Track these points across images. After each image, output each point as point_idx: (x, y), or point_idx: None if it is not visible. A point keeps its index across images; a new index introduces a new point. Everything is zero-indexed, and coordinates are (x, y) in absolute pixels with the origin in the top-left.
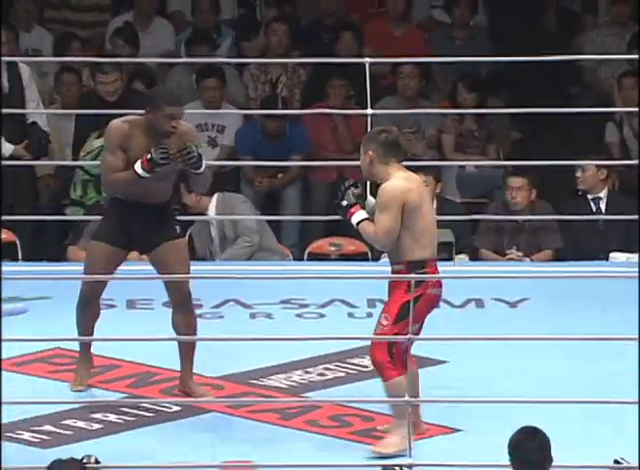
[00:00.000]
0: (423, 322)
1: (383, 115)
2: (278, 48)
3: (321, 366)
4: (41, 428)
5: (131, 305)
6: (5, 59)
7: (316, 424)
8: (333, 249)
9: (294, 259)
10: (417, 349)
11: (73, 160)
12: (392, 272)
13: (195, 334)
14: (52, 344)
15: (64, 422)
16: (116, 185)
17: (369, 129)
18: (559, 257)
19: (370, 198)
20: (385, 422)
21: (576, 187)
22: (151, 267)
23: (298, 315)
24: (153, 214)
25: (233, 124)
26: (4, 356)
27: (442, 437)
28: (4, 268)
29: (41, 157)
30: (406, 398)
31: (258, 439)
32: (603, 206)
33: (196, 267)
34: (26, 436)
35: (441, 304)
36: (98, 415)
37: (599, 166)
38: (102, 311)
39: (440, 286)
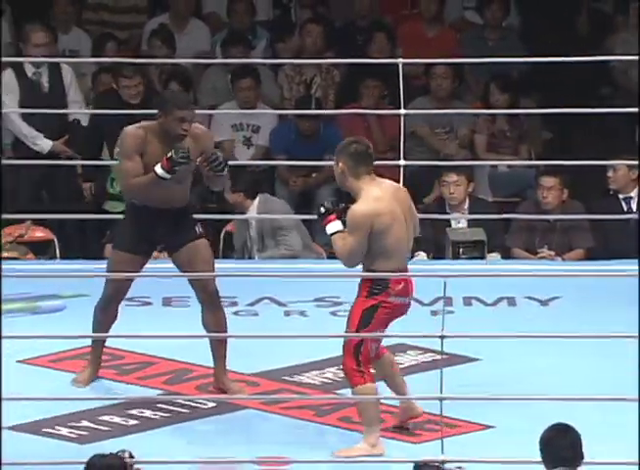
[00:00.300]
0: (387, 328)
1: (416, 115)
2: (312, 49)
3: None
4: (79, 424)
5: (167, 302)
6: (41, 60)
7: (349, 420)
8: None
9: (327, 258)
10: (449, 346)
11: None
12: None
13: (225, 331)
14: (89, 341)
15: (101, 418)
16: (137, 189)
17: (402, 129)
18: (590, 256)
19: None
20: (417, 418)
21: (608, 187)
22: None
23: (332, 313)
24: (171, 219)
25: (268, 124)
26: (42, 353)
27: (474, 434)
28: (41, 266)
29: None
30: (439, 394)
31: (293, 435)
32: (634, 205)
33: (232, 266)
34: (64, 431)
35: (474, 302)
36: (134, 411)
37: (630, 166)
38: (137, 309)
39: (407, 294)
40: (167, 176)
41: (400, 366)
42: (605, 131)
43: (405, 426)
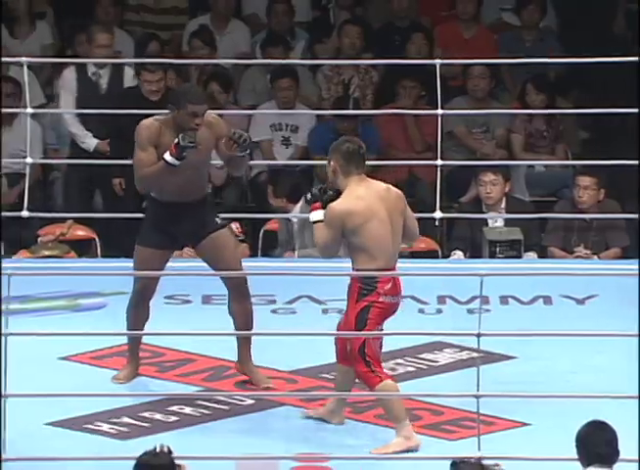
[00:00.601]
0: (381, 327)
1: (453, 115)
2: (351, 50)
3: (392, 361)
4: (120, 420)
5: (206, 300)
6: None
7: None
8: (403, 246)
9: None
10: (486, 344)
11: None
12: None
13: (251, 320)
14: (128, 338)
15: (141, 414)
16: (148, 178)
17: (439, 129)
18: (626, 255)
19: None
20: (453, 416)
21: None
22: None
23: None
24: (191, 212)
25: (306, 124)
26: (84, 350)
27: (511, 431)
28: (83, 264)
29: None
30: (475, 392)
31: (330, 431)
32: None
33: (271, 264)
34: (105, 427)
35: (510, 300)
36: (174, 408)
37: None
38: (177, 307)
39: (397, 294)
40: (177, 163)
41: (437, 364)
42: None
43: None
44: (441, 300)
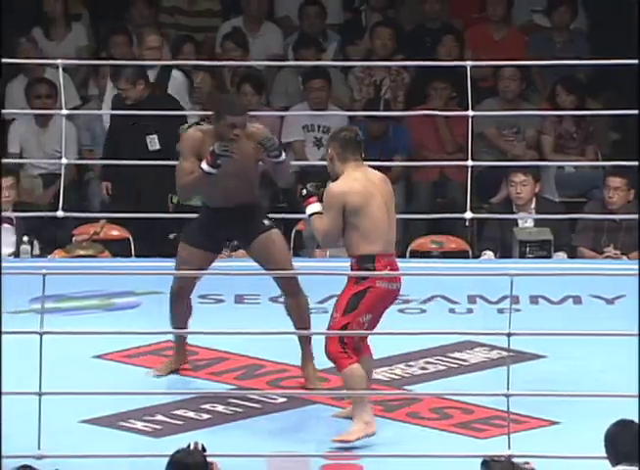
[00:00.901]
0: (379, 315)
1: (483, 116)
2: (382, 51)
3: (422, 360)
4: (153, 418)
5: (239, 300)
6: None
7: (417, 416)
8: (434, 246)
9: (396, 257)
10: (516, 344)
11: None
12: (350, 266)
13: (308, 314)
14: (164, 336)
15: (174, 412)
16: (188, 187)
17: (470, 130)
18: None
19: None
20: (483, 414)
21: None
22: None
23: (401, 310)
24: (239, 216)
25: (338, 125)
26: (117, 348)
27: (541, 429)
28: (116, 264)
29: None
30: (505, 391)
31: None
32: None
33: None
34: (139, 425)
35: (540, 300)
36: (207, 406)
37: None
38: (210, 306)
39: (396, 280)
40: (213, 171)
41: (467, 363)
42: None
43: None
44: (472, 299)
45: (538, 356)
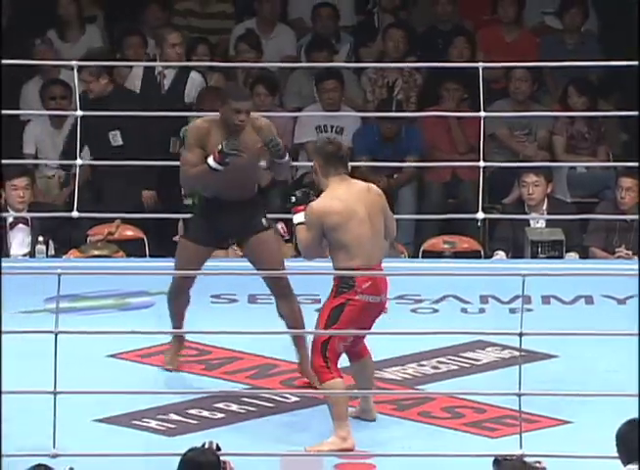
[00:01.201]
0: (366, 327)
1: (495, 117)
2: (395, 53)
3: (434, 359)
4: (167, 417)
5: (252, 299)
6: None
7: (429, 415)
8: (446, 246)
9: (409, 257)
10: (528, 343)
11: None
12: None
13: (301, 319)
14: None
15: (188, 411)
16: (191, 179)
17: (482, 131)
18: None
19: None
20: (495, 414)
21: None
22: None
23: (413, 310)
24: (239, 211)
25: (351, 126)
26: (131, 348)
27: (552, 429)
28: (131, 264)
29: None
30: (517, 390)
31: (374, 428)
32: None
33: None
34: (153, 424)
35: (552, 300)
36: (221, 405)
37: None
38: (224, 306)
39: (378, 293)
40: (220, 168)
41: (479, 362)
42: None
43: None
44: (484, 299)
45: (550, 356)
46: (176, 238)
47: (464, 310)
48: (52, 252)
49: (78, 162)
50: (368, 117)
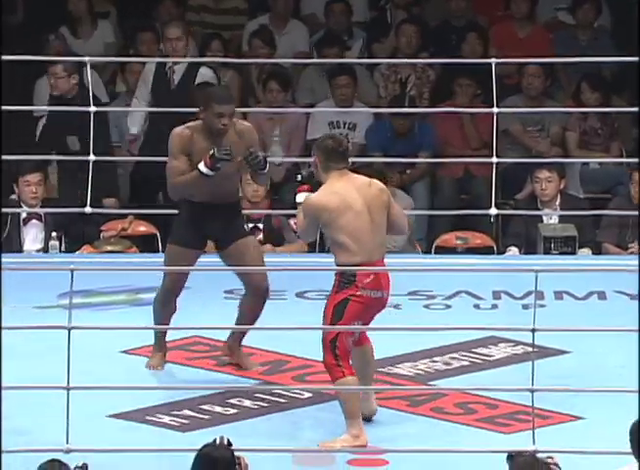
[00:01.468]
0: (366, 323)
1: (508, 113)
2: (407, 49)
3: (447, 355)
4: (181, 412)
5: None
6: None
7: (442, 411)
8: (459, 242)
9: (422, 253)
10: (540, 339)
11: None
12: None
13: (256, 317)
14: (191, 332)
15: (201, 407)
16: (181, 187)
17: (495, 127)
18: None
19: None
20: (507, 409)
21: None
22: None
23: (426, 306)
24: (222, 214)
25: (364, 122)
26: (144, 344)
27: (565, 424)
28: (143, 259)
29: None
30: (530, 386)
31: (386, 424)
32: None
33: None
34: (167, 420)
35: (565, 296)
36: (234, 401)
37: None
38: (236, 302)
39: (380, 288)
40: (211, 173)
41: (492, 358)
42: None
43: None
44: (497, 295)
45: (563, 352)
46: None
47: (476, 306)
48: (65, 247)
49: (92, 158)
50: (381, 112)
